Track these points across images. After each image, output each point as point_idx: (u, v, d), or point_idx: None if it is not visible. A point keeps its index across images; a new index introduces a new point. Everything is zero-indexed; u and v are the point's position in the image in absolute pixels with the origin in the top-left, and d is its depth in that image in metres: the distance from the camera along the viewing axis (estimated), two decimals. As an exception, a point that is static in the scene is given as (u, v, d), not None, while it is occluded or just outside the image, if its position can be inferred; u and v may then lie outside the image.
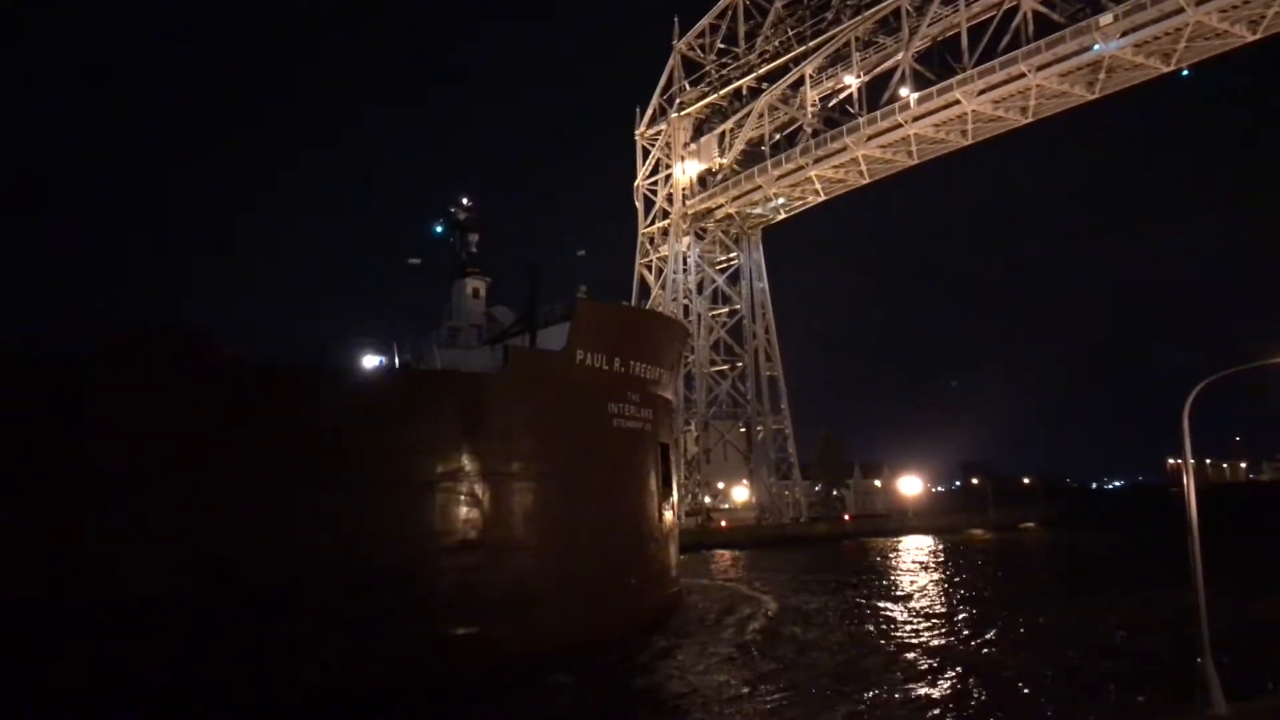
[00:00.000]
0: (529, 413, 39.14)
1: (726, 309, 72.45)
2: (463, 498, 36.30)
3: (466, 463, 35.92)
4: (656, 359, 46.87)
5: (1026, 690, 33.26)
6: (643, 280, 75.10)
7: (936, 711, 30.40)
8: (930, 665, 38.32)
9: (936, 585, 64.02)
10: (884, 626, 46.47)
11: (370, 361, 39.14)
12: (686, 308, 71.31)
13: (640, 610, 44.10)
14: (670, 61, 73.94)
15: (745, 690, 28.34)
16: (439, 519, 35.12)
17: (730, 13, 69.58)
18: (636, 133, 76.53)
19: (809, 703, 29.57)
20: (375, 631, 31.04)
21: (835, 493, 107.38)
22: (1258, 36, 44.92)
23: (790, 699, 29.87)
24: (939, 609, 52.95)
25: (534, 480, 38.82)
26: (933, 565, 76.56)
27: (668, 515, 48.39)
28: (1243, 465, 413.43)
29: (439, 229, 51.86)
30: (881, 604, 54.27)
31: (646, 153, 75.76)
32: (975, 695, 32.32)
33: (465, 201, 51.17)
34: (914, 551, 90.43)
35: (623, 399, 44.57)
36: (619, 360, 44.57)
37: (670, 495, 49.84)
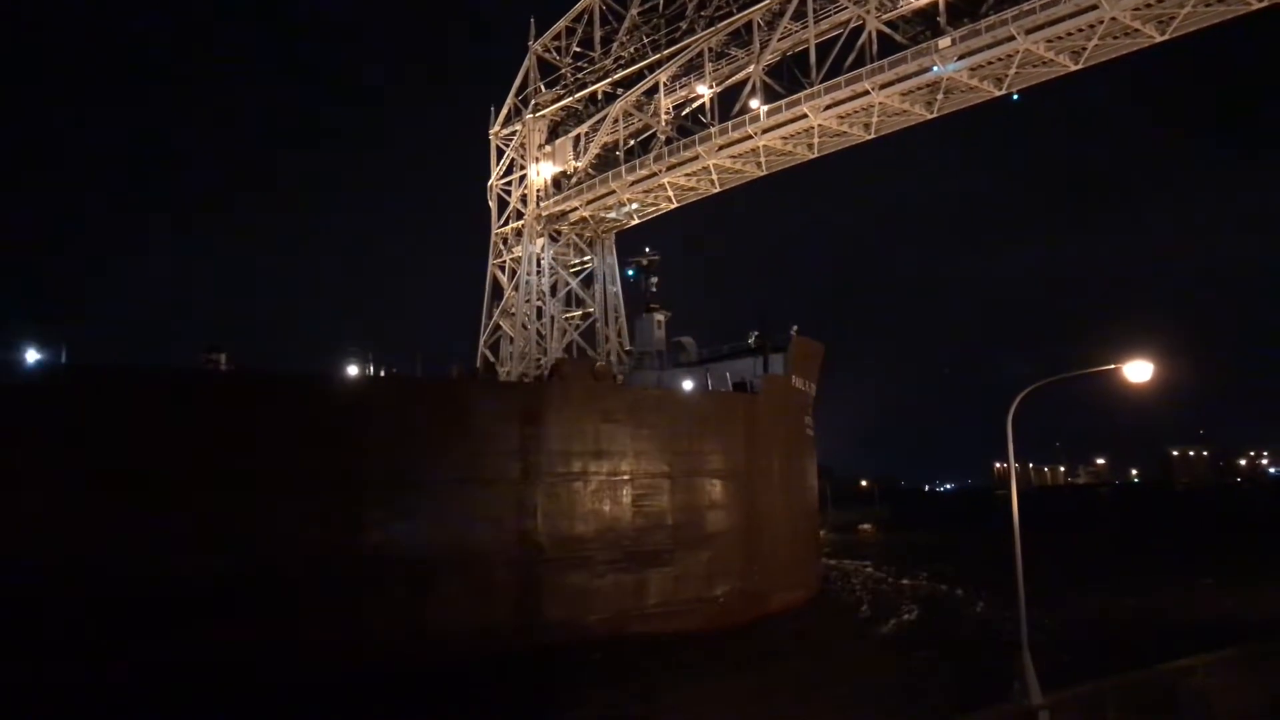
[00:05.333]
0: (773, 423, 53.65)
1: (580, 312, 72.46)
2: (745, 487, 49.59)
3: (745, 461, 50.05)
4: (818, 380, 61.83)
5: (848, 687, 34.60)
6: (495, 280, 74.41)
7: (765, 707, 31.42)
8: (755, 661, 39.83)
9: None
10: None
11: (687, 384, 53.11)
12: (540, 309, 71.05)
13: (819, 579, 60.23)
14: (526, 62, 73.46)
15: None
16: (735, 501, 48.66)
17: (586, 17, 69.62)
18: (491, 132, 75.75)
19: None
20: (711, 586, 46.28)
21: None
22: (1080, 66, 47.79)
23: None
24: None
25: (778, 475, 53.31)
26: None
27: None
28: (1062, 469, 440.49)
29: (630, 273, 67.23)
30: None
31: (501, 152, 75.08)
32: (792, 693, 33.55)
33: (647, 250, 65.57)
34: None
35: (808, 412, 60.46)
36: (807, 382, 59.20)
37: None
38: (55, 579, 31.22)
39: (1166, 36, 45.15)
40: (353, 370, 43.27)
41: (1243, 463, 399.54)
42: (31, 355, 34.81)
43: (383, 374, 45.32)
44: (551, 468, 41.75)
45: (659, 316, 62.54)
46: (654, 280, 63.84)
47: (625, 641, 39.98)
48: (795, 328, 58.71)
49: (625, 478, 44.05)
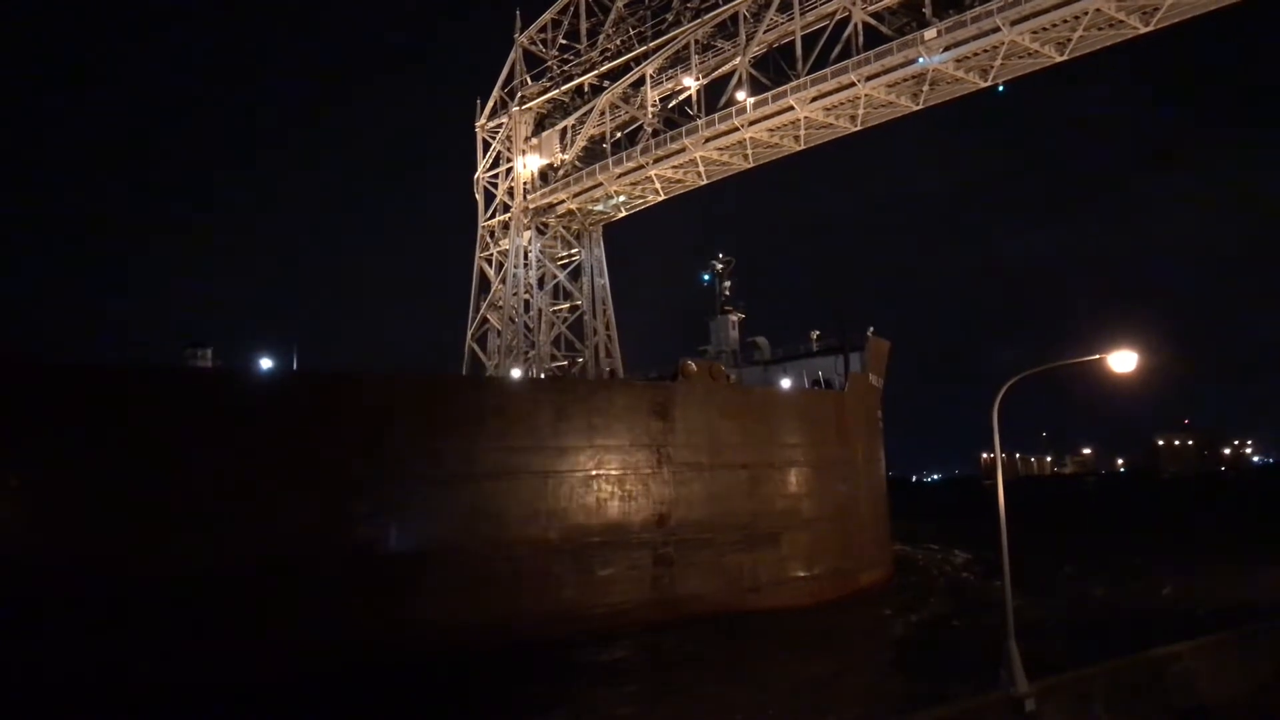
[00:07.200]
0: (856, 417, 58.94)
1: (568, 304, 72.42)
2: (836, 476, 54.47)
3: (836, 452, 55.14)
4: (885, 375, 66.58)
5: (831, 682, 34.79)
6: (483, 274, 74.31)
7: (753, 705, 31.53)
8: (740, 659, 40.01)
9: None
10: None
11: (785, 382, 59.00)
12: (528, 303, 70.97)
13: (894, 559, 64.80)
14: (512, 55, 73.33)
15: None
16: (829, 489, 53.50)
17: (572, 9, 69.48)
18: (477, 124, 75.58)
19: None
20: (811, 565, 51.18)
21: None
22: (1065, 58, 47.94)
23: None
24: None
25: (861, 464, 58.38)
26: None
27: None
28: (1048, 459, 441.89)
29: (705, 277, 69.89)
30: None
31: (487, 145, 74.92)
32: (775, 689, 33.66)
33: (721, 255, 68.50)
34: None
35: (879, 406, 65.37)
36: (878, 378, 64.32)
37: None
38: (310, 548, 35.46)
39: (1151, 28, 45.36)
40: (516, 373, 50.62)
41: (1227, 451, 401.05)
42: (266, 363, 39.48)
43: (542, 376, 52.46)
44: (680, 458, 46.44)
45: (733, 318, 67.15)
46: (728, 284, 68.22)
47: (743, 615, 44.82)
48: (871, 329, 63.87)
49: (740, 467, 48.84)
